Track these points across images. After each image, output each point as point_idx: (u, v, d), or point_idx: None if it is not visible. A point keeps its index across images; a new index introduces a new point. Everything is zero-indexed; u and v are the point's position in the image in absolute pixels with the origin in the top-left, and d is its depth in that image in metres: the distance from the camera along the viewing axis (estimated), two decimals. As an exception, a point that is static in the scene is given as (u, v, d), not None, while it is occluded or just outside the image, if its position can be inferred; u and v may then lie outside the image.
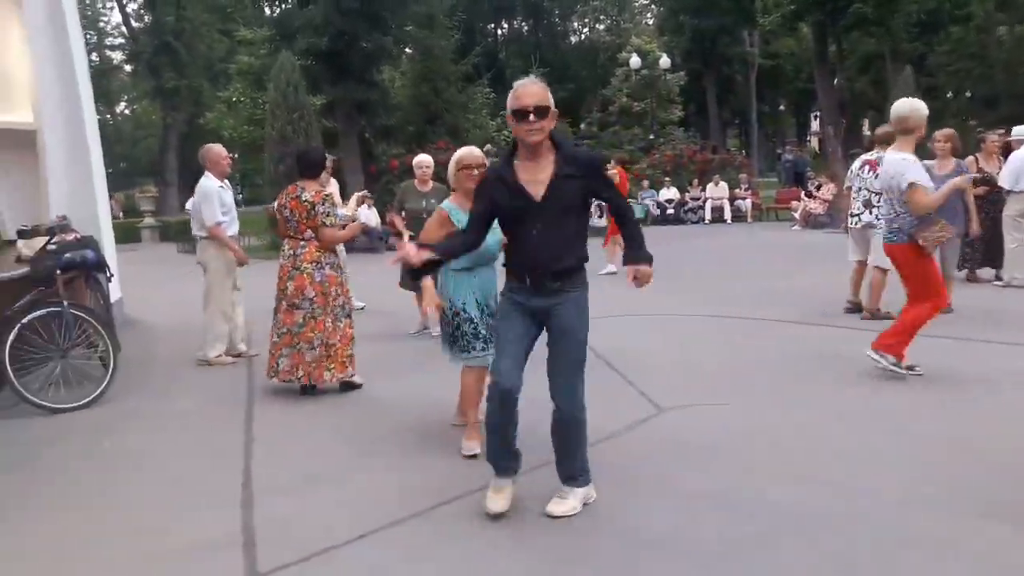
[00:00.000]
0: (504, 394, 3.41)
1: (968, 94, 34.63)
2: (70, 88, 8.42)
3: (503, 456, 3.57)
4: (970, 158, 9.31)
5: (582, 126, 33.75)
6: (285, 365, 5.68)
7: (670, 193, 22.65)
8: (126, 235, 22.86)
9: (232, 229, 6.94)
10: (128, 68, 47.32)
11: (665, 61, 30.02)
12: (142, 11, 42.83)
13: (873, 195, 7.66)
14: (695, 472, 3.99)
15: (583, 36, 52.67)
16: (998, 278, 9.44)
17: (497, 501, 3.52)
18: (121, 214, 29.68)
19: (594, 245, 11.94)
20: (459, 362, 4.47)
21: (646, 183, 23.27)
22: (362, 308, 8.25)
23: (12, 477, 4.39)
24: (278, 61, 19.19)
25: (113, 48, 49.41)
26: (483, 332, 4.36)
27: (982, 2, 32.24)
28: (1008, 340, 6.49)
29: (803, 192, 20.45)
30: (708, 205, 22.05)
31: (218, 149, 7.04)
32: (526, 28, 50.38)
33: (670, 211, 22.37)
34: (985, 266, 9.64)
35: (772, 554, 3.12)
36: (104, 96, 45.09)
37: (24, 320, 5.49)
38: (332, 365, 5.71)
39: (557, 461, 3.63)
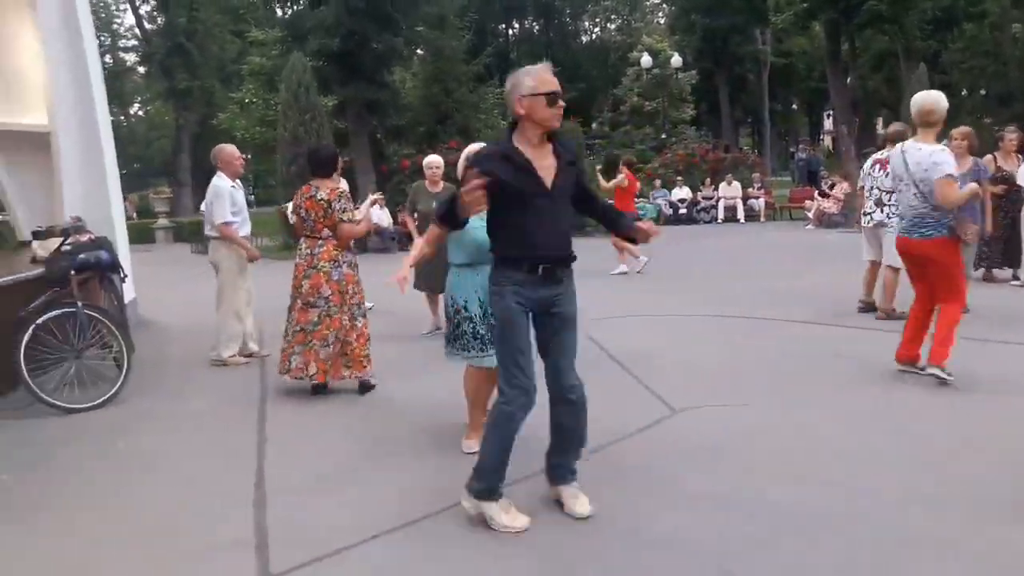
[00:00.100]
0: (528, 409, 3.39)
1: (983, 92, 34.35)
2: (84, 90, 8.48)
3: (503, 476, 3.49)
4: (988, 156, 9.23)
5: (593, 126, 33.75)
6: (297, 363, 5.69)
7: (682, 193, 22.59)
8: (140, 236, 22.99)
9: (244, 230, 6.96)
10: (141, 70, 47.67)
11: (677, 60, 29.97)
12: (155, 13, 43.12)
13: (884, 194, 7.62)
14: (708, 474, 3.97)
15: (594, 35, 52.67)
16: (1015, 278, 9.35)
17: (519, 517, 3.44)
18: (135, 215, 29.84)
19: (598, 245, 12.02)
20: (455, 359, 4.43)
21: (658, 183, 23.22)
22: (371, 308, 8.29)
23: (27, 477, 4.42)
24: (290, 62, 19.26)
25: (126, 50, 49.86)
26: (482, 332, 4.28)
27: (997, -1, 32.03)
28: (1025, 340, 6.44)
29: (816, 191, 20.35)
30: (721, 205, 21.97)
31: (230, 149, 7.06)
32: (537, 28, 50.39)
33: (682, 211, 22.30)
34: (1003, 266, 9.55)
35: (785, 554, 3.11)
36: (118, 97, 45.41)
37: (39, 321, 5.52)
38: (350, 363, 5.73)
39: (564, 454, 3.59)
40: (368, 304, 6.09)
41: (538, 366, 3.47)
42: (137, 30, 45.08)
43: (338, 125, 23.21)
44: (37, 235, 6.81)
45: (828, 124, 49.03)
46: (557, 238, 3.39)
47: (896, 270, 7.23)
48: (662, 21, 50.70)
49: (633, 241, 3.71)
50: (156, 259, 18.87)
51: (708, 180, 22.93)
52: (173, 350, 7.79)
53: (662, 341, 7.17)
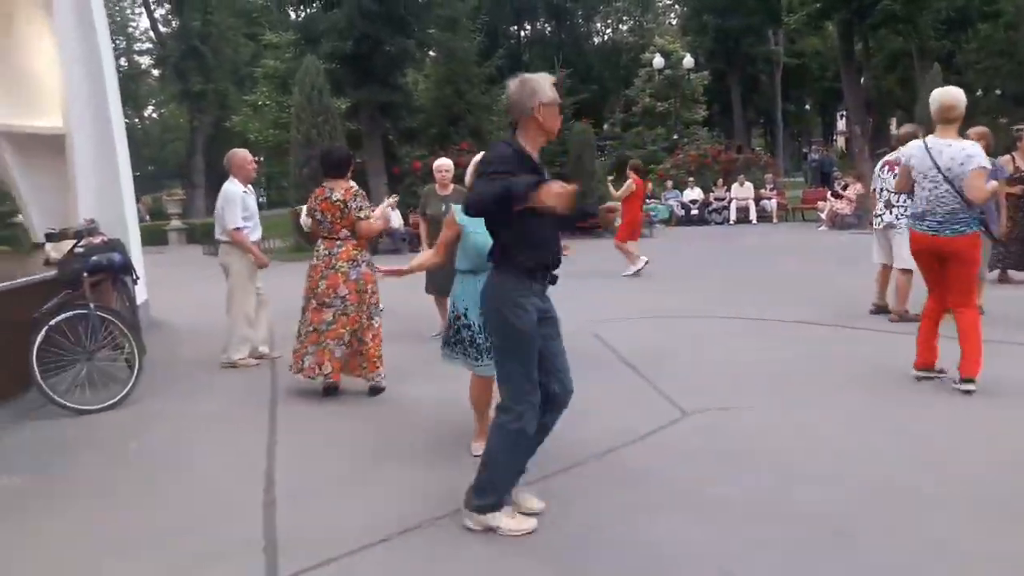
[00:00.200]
0: (536, 423, 3.41)
1: (999, 91, 34.10)
2: (99, 93, 8.53)
3: (511, 489, 3.53)
4: (1006, 156, 9.15)
5: (605, 127, 33.68)
6: (310, 362, 5.70)
7: (694, 194, 22.54)
8: (153, 237, 23.13)
9: (255, 235, 6.98)
10: (156, 72, 47.94)
11: (689, 61, 29.90)
12: (170, 16, 43.37)
13: (892, 195, 7.57)
14: (719, 476, 3.95)
15: (606, 37, 52.55)
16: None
17: (525, 520, 3.44)
18: (148, 217, 30.01)
19: (607, 245, 11.99)
20: (453, 362, 4.38)
21: (670, 183, 23.18)
22: (381, 309, 8.29)
23: (38, 478, 4.44)
24: (303, 65, 19.35)
25: (141, 53, 50.18)
26: (479, 341, 4.20)
27: (1012, -2, 31.78)
28: (1041, 343, 6.37)
29: (829, 192, 20.24)
30: (733, 206, 21.89)
31: (243, 154, 7.07)
32: (549, 29, 50.32)
33: (694, 212, 22.24)
34: (1019, 267, 9.45)
35: (797, 558, 3.09)
36: (132, 100, 45.74)
37: (52, 322, 5.55)
38: (364, 363, 5.75)
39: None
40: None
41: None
42: (152, 33, 45.41)
43: (351, 127, 23.30)
44: (50, 237, 6.85)
45: (841, 124, 48.81)
46: (557, 243, 3.44)
47: (908, 272, 7.18)
48: (674, 22, 50.61)
49: (596, 225, 3.67)
50: (169, 260, 18.98)
51: (720, 181, 22.87)
52: (185, 351, 7.82)
53: (673, 342, 7.14)
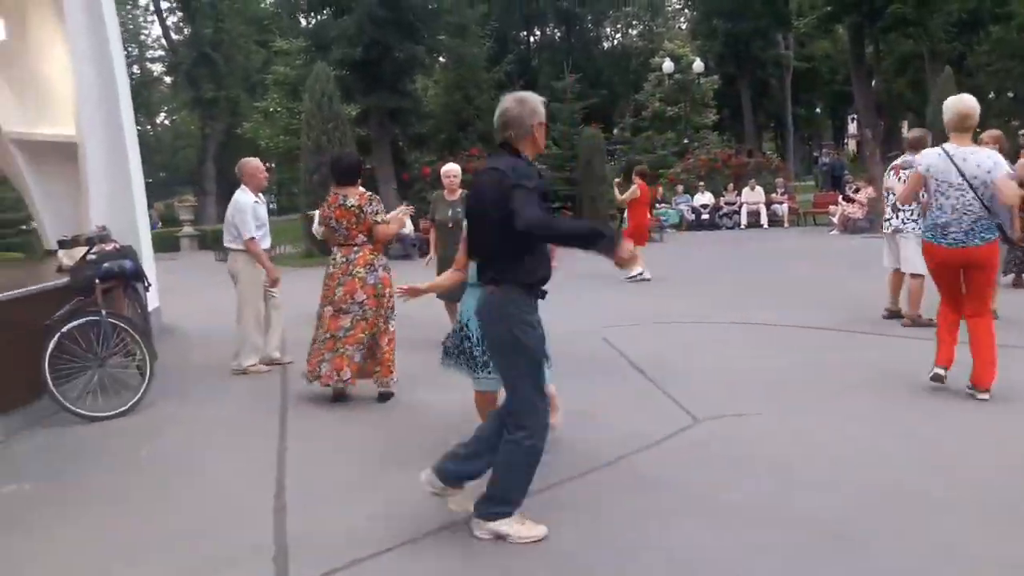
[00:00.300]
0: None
1: (1011, 94, 33.92)
2: (111, 100, 8.58)
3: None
4: (1022, 161, 9.07)
5: (615, 131, 33.66)
6: (326, 370, 5.70)
7: (705, 198, 22.48)
8: (165, 244, 23.24)
9: (265, 243, 6.99)
10: (168, 79, 48.24)
11: (698, 65, 29.83)
12: (182, 24, 43.63)
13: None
14: (733, 482, 3.93)
15: (615, 42, 52.50)
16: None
17: (536, 527, 3.42)
18: (159, 223, 30.17)
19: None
20: (451, 370, 4.35)
21: (680, 188, 23.13)
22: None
23: (50, 484, 4.45)
24: (313, 71, 19.42)
25: (153, 60, 50.46)
26: (477, 355, 4.13)
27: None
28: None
29: (841, 196, 20.14)
30: (744, 210, 21.82)
31: (255, 163, 7.08)
32: (558, 35, 50.32)
33: (705, 216, 22.19)
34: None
35: (811, 565, 3.07)
36: (145, 107, 46.03)
37: (64, 329, 5.57)
38: (378, 367, 5.75)
39: (489, 452, 3.49)
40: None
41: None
42: (164, 41, 45.71)
43: (360, 133, 23.36)
44: (63, 244, 6.89)
45: (852, 128, 48.59)
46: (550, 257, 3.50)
47: (920, 276, 7.13)
48: (684, 26, 50.51)
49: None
50: (181, 267, 19.08)
51: (731, 185, 22.79)
52: (196, 357, 7.84)
53: (683, 347, 7.12)
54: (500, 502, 3.39)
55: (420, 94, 26.62)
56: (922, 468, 4.02)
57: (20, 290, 5.80)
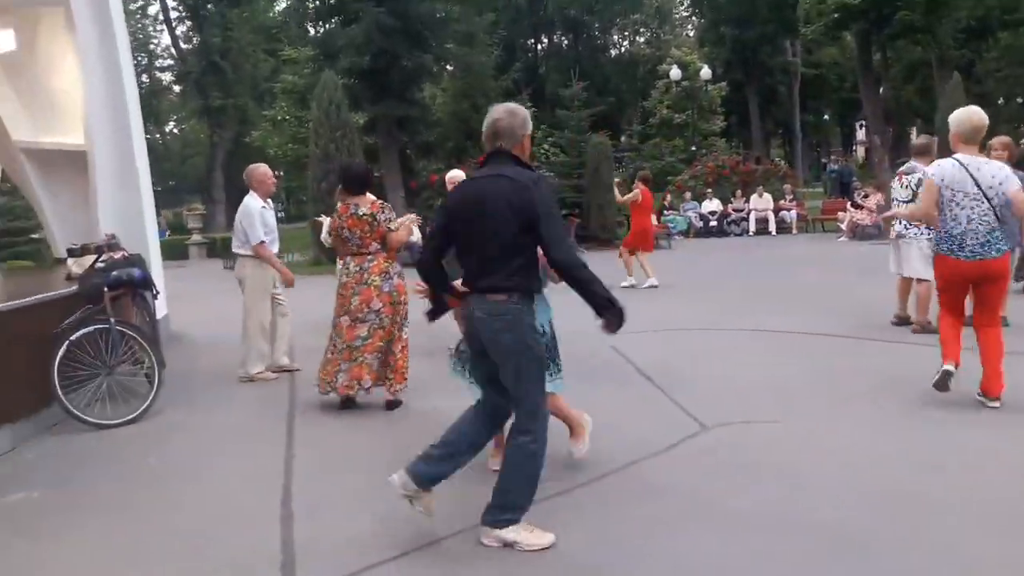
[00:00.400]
0: None
1: (1020, 100, 33.80)
2: (120, 109, 8.64)
3: None
4: None
5: (622, 139, 33.71)
6: (344, 380, 5.69)
7: (712, 205, 22.46)
8: (174, 252, 23.34)
9: (273, 248, 7.00)
10: (177, 88, 48.54)
11: (706, 72, 29.86)
12: (191, 33, 43.91)
13: (901, 204, 7.55)
14: (741, 489, 3.91)
15: (623, 49, 52.58)
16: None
17: (544, 535, 3.40)
18: (168, 231, 30.31)
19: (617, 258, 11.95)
20: (457, 377, 4.27)
21: (688, 195, 23.12)
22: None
23: (58, 492, 4.46)
24: (321, 80, 19.49)
25: (163, 69, 50.77)
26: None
27: (1032, 7, 31.47)
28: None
29: (849, 203, 20.09)
30: (752, 217, 21.79)
31: (263, 169, 7.11)
32: (566, 42, 50.44)
33: (713, 223, 22.16)
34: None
35: (814, 573, 3.05)
36: (154, 116, 46.31)
37: (73, 337, 5.59)
38: (391, 374, 5.76)
39: (462, 454, 3.56)
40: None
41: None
42: (173, 50, 45.99)
43: (368, 141, 23.43)
44: (72, 252, 6.91)
45: (861, 134, 48.53)
46: None
47: (927, 282, 7.11)
48: (691, 33, 50.60)
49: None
50: (189, 275, 19.14)
51: (739, 192, 22.77)
52: (204, 364, 7.86)
53: (691, 355, 7.10)
54: (507, 509, 3.38)
55: (428, 102, 26.69)
56: (932, 476, 3.99)
57: (29, 298, 5.83)
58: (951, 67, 30.01)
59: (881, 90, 37.16)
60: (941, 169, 5.16)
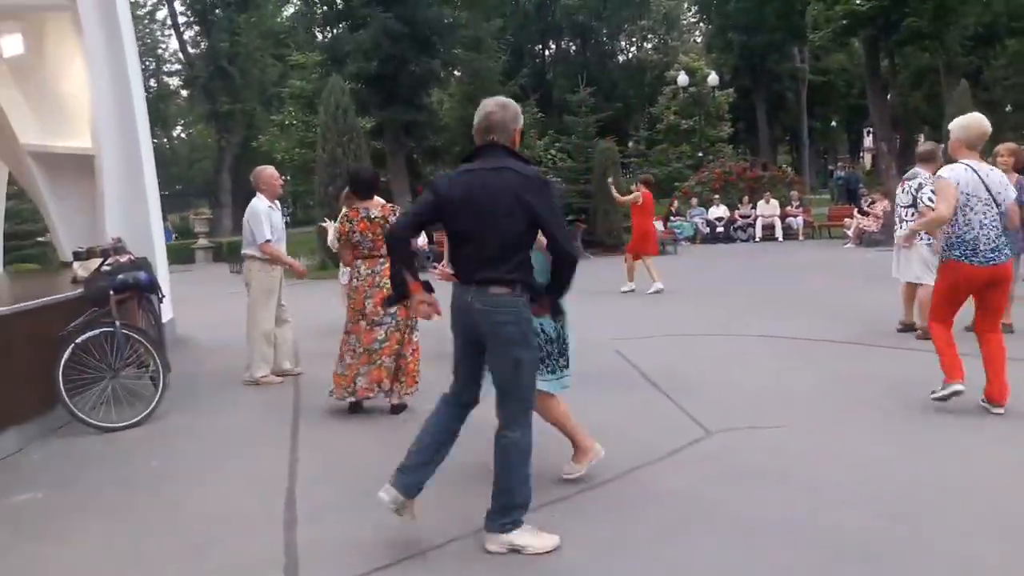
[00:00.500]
0: None
1: (1028, 107, 33.71)
2: (127, 113, 8.67)
3: None
4: None
5: (630, 144, 33.70)
6: (363, 383, 5.68)
7: (719, 211, 22.43)
8: (180, 256, 23.39)
9: (279, 249, 7.01)
10: (184, 93, 48.70)
11: (713, 78, 29.86)
12: (198, 37, 44.06)
13: (903, 210, 7.57)
14: (745, 496, 3.89)
15: (631, 55, 52.63)
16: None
17: (548, 538, 3.40)
18: (174, 235, 30.39)
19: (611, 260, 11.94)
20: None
21: (695, 201, 23.10)
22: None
23: (62, 493, 4.47)
24: (328, 85, 19.53)
25: (170, 74, 50.94)
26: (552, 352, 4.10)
27: (1040, 14, 31.39)
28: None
29: (856, 209, 20.04)
30: (759, 223, 21.75)
31: (270, 171, 7.14)
32: (573, 48, 50.52)
33: (719, 229, 22.13)
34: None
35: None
36: (161, 120, 46.43)
37: (78, 340, 5.60)
38: (403, 377, 5.76)
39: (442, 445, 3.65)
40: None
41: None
42: (181, 54, 46.15)
43: (376, 146, 23.49)
44: (78, 256, 6.94)
45: (868, 141, 48.38)
46: None
47: (929, 287, 7.07)
48: (699, 40, 50.59)
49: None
50: (195, 278, 19.18)
51: (746, 198, 22.73)
52: (209, 368, 7.87)
53: (696, 360, 7.08)
54: (511, 509, 3.37)
55: (435, 107, 26.75)
56: (936, 481, 3.97)
57: (35, 301, 5.85)
58: (959, 74, 29.99)
59: (889, 97, 37.07)
60: (956, 173, 5.11)
